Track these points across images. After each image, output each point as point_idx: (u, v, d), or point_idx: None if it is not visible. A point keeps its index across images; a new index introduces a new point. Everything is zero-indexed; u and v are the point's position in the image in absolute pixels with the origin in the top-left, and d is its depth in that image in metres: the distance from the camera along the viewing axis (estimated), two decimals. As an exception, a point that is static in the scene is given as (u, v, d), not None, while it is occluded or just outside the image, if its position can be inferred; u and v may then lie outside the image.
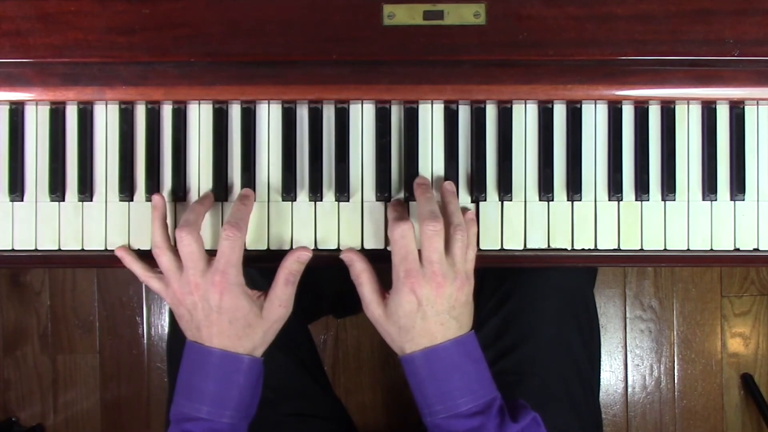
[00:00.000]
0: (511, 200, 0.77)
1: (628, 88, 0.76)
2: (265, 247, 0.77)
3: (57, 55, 0.75)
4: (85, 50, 0.75)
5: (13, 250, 0.77)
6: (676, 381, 1.64)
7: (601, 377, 1.33)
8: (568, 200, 0.77)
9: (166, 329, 1.60)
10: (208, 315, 0.71)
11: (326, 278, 1.15)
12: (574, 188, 0.77)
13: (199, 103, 0.77)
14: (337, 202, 0.77)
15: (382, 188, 0.77)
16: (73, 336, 1.62)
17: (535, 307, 0.90)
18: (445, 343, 0.70)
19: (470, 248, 0.73)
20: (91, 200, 0.77)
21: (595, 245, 0.77)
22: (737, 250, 0.77)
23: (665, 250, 0.77)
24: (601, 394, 0.97)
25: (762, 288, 1.65)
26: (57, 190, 0.77)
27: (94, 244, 0.77)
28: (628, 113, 0.78)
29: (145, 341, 1.62)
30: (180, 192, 0.77)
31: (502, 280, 0.93)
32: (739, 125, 0.77)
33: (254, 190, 0.77)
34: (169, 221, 0.76)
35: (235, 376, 0.71)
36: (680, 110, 0.77)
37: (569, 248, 0.77)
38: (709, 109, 0.77)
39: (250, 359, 0.72)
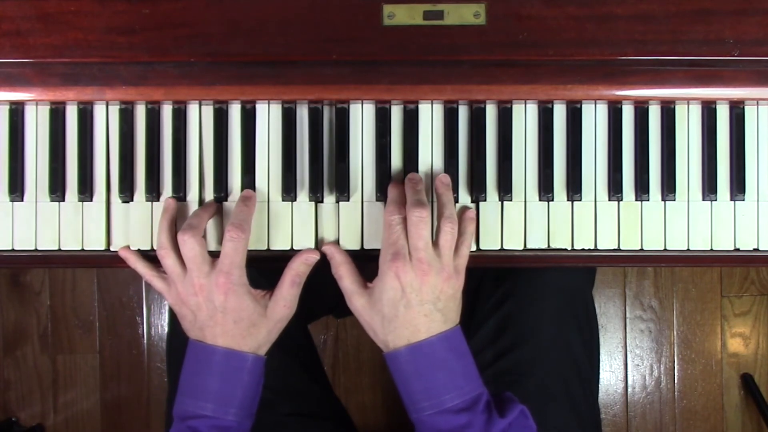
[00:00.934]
0: (511, 200, 0.77)
1: (628, 88, 0.76)
2: (265, 247, 0.77)
3: (57, 55, 0.75)
4: (85, 50, 0.75)
5: (13, 250, 0.77)
6: (676, 381, 1.64)
7: (601, 377, 1.33)
8: (568, 200, 0.77)
9: (166, 329, 1.60)
10: (213, 315, 0.71)
11: (326, 278, 1.15)
12: (574, 188, 0.77)
13: (199, 103, 0.77)
14: (337, 202, 0.77)
15: (382, 188, 0.77)
16: (73, 336, 1.62)
17: (534, 308, 0.90)
18: (430, 338, 0.69)
19: (464, 245, 0.73)
20: (91, 200, 0.77)
21: (595, 245, 0.77)
22: (737, 250, 0.77)
23: (665, 250, 0.77)
24: (601, 394, 0.97)
25: (762, 288, 1.65)
26: (57, 190, 0.77)
27: (94, 244, 0.77)
28: (628, 113, 0.78)
29: (145, 341, 1.62)
30: (180, 192, 0.77)
31: (501, 280, 0.93)
32: (739, 125, 0.77)
33: (254, 190, 0.77)
34: (169, 221, 0.76)
35: (239, 374, 0.71)
36: (680, 110, 0.77)
37: (569, 248, 0.77)
38: (709, 109, 0.77)
39: (254, 357, 0.72)
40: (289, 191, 0.77)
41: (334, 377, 1.60)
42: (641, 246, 0.77)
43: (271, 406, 0.86)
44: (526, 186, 0.78)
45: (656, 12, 0.74)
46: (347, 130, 0.77)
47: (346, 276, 0.73)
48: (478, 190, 0.77)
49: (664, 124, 0.77)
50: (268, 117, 0.78)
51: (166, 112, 0.78)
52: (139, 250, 0.77)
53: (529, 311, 0.90)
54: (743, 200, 0.77)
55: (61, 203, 0.77)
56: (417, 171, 0.77)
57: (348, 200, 0.77)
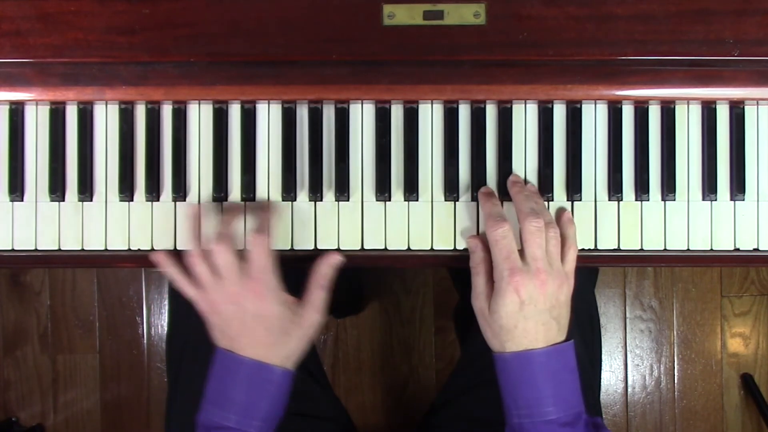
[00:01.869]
0: (511, 200, 0.77)
1: (628, 88, 0.76)
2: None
3: (57, 55, 0.75)
4: (85, 50, 0.75)
5: (13, 250, 0.77)
6: (676, 381, 1.64)
7: (601, 377, 1.32)
8: (568, 200, 0.77)
9: (166, 329, 1.60)
10: (245, 323, 0.71)
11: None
12: (574, 188, 0.77)
13: (199, 103, 0.77)
14: (337, 202, 0.77)
15: (382, 188, 0.77)
16: (73, 336, 1.62)
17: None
18: (547, 349, 0.70)
19: (571, 248, 0.73)
20: (91, 200, 0.77)
21: (595, 245, 0.77)
22: (737, 250, 0.77)
23: (665, 250, 0.77)
24: (601, 394, 0.97)
25: (762, 288, 1.65)
26: (57, 190, 0.77)
27: (94, 244, 0.77)
28: (628, 113, 0.78)
29: (145, 341, 1.62)
30: (180, 192, 0.77)
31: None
32: (739, 125, 0.77)
33: (254, 189, 0.77)
34: (169, 221, 0.76)
35: (266, 387, 0.71)
36: (680, 110, 0.77)
37: (569, 248, 0.77)
38: (709, 109, 0.77)
39: (281, 371, 0.72)
40: (289, 191, 0.77)
41: (334, 377, 1.60)
42: (641, 246, 0.77)
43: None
44: (526, 186, 0.77)
45: (656, 12, 0.74)
46: (347, 130, 0.77)
47: (482, 274, 0.73)
48: (478, 191, 0.77)
49: (664, 124, 0.77)
50: (268, 117, 0.78)
51: (166, 112, 0.78)
52: (139, 250, 0.77)
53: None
54: (743, 200, 0.77)
55: (61, 203, 0.77)
56: (417, 171, 0.77)
57: (348, 200, 0.77)
